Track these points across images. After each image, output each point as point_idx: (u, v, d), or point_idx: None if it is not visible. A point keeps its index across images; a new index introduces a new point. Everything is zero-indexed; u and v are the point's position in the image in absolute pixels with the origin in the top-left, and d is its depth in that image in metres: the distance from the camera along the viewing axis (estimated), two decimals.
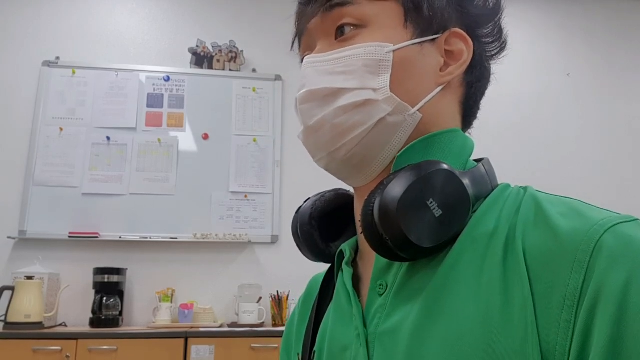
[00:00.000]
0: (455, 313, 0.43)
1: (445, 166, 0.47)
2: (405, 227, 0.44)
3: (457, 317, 0.43)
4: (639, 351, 0.36)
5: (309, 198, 0.63)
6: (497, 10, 0.57)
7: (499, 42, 0.58)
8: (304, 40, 0.58)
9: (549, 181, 3.17)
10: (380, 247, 0.47)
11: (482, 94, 0.59)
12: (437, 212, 0.46)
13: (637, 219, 0.43)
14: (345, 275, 0.55)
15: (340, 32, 0.54)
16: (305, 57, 0.55)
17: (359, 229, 0.51)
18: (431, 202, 0.46)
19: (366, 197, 0.48)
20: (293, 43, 0.61)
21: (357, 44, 0.52)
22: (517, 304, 0.41)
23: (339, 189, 0.64)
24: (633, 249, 0.39)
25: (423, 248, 0.45)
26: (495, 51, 0.59)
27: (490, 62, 0.59)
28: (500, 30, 0.58)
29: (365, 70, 0.51)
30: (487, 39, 0.57)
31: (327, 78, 0.52)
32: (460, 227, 0.47)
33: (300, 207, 0.63)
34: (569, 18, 3.53)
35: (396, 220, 0.45)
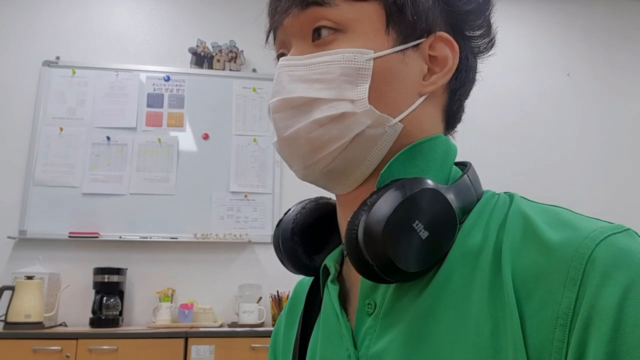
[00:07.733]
0: (445, 337, 0.42)
1: (429, 184, 0.46)
2: (391, 253, 0.43)
3: (446, 342, 0.42)
4: None
5: (290, 209, 0.61)
6: (487, 4, 0.54)
7: (489, 37, 0.55)
8: (279, 35, 0.54)
9: (549, 181, 3.17)
10: (366, 272, 0.45)
11: (467, 96, 0.56)
12: (424, 234, 0.44)
13: (629, 229, 0.41)
14: (331, 294, 0.53)
15: (317, 34, 0.50)
16: (281, 60, 0.52)
17: (345, 245, 0.49)
18: (417, 224, 0.44)
19: (349, 219, 0.46)
20: (267, 37, 0.57)
21: (335, 49, 0.49)
22: (507, 328, 0.40)
23: (320, 198, 0.61)
24: (626, 262, 0.38)
25: (410, 273, 0.44)
26: (484, 47, 0.56)
27: (478, 59, 0.56)
28: (490, 26, 0.55)
29: (343, 79, 0.48)
30: (476, 35, 0.54)
31: (301, 86, 0.49)
32: (448, 246, 0.46)
33: (281, 220, 0.60)
34: (569, 18, 3.53)
35: (382, 246, 0.43)
